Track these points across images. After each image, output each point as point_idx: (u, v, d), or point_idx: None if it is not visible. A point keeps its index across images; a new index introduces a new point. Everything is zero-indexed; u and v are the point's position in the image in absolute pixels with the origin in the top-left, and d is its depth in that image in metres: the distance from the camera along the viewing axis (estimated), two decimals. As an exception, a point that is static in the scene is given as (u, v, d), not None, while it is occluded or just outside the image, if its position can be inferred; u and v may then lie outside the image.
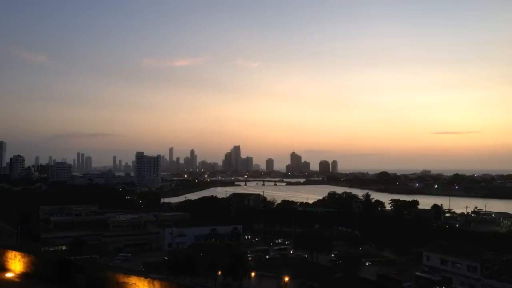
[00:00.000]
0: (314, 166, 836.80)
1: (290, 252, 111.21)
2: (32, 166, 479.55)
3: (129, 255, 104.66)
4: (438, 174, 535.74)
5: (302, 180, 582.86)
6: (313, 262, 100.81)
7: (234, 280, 76.58)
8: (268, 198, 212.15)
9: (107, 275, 13.35)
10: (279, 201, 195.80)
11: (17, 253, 16.91)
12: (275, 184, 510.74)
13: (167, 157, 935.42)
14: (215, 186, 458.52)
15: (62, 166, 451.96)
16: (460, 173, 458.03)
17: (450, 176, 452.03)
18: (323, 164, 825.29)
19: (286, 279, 74.92)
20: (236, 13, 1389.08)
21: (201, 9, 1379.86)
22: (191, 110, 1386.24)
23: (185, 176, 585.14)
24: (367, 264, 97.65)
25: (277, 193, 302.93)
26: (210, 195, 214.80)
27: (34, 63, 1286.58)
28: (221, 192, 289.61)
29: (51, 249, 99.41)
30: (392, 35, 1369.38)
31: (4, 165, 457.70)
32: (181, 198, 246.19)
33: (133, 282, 12.36)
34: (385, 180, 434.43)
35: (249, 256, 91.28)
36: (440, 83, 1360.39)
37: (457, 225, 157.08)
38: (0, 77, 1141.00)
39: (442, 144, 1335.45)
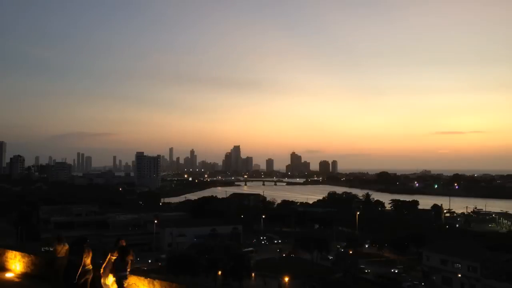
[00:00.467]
0: (314, 166, 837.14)
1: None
2: (32, 166, 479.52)
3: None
4: (438, 174, 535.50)
5: (302, 180, 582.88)
6: (313, 262, 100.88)
7: (234, 280, 76.66)
8: (268, 198, 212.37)
9: (107, 275, 13.33)
10: (279, 201, 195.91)
11: (17, 253, 16.90)
12: (275, 184, 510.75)
13: (167, 157, 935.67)
14: (215, 186, 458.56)
15: (62, 166, 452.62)
16: (460, 173, 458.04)
17: (450, 176, 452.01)
18: (323, 164, 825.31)
19: (286, 279, 74.97)
20: (233, 9, 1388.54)
21: (200, 6, 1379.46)
22: (191, 110, 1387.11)
23: (185, 176, 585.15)
24: (366, 266, 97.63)
25: (277, 193, 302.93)
26: (210, 195, 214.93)
27: (35, 60, 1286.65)
28: (221, 192, 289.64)
29: (51, 249, 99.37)
30: (395, 35, 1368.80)
31: (4, 165, 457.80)
32: (181, 198, 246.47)
33: (133, 282, 12.35)
34: (385, 180, 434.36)
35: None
36: (442, 82, 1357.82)
37: (457, 225, 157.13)
38: (0, 77, 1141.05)
39: (444, 144, 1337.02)
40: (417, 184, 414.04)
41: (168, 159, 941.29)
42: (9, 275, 16.30)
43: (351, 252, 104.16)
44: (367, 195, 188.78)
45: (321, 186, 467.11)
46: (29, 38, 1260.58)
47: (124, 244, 12.03)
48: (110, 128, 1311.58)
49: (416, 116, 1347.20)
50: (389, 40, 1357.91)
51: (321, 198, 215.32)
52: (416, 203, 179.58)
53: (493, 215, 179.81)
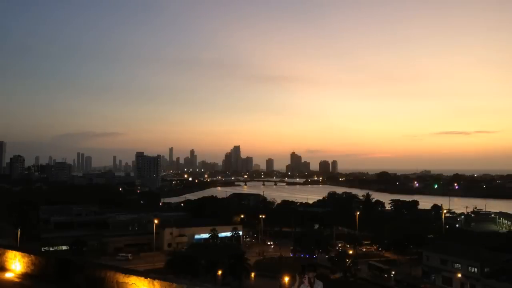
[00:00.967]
0: (314, 166, 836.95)
1: None
2: (32, 166, 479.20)
3: (129, 255, 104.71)
4: (438, 174, 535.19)
5: (302, 180, 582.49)
6: (313, 262, 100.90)
7: (234, 280, 76.68)
8: (268, 198, 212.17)
9: (107, 275, 13.36)
10: (279, 201, 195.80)
11: (17, 253, 16.91)
12: (275, 184, 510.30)
13: (167, 157, 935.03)
14: (215, 186, 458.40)
15: (62, 166, 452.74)
16: (460, 173, 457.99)
17: (450, 176, 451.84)
18: (323, 164, 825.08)
19: (286, 279, 74.90)
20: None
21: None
22: (191, 110, 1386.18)
23: (185, 176, 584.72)
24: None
25: (277, 193, 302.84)
26: (210, 195, 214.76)
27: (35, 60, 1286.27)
28: (221, 192, 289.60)
29: (51, 249, 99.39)
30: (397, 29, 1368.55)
31: (4, 165, 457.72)
32: (181, 198, 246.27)
33: (133, 282, 12.36)
34: (385, 180, 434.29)
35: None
36: (446, 81, 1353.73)
37: (457, 225, 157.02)
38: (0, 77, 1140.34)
39: (446, 144, 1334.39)
40: (417, 184, 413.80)
41: (168, 159, 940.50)
42: (9, 275, 16.31)
43: (351, 252, 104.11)
44: (367, 195, 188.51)
45: (321, 186, 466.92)
46: (29, 38, 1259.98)
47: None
48: (110, 128, 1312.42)
49: (418, 116, 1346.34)
50: (391, 39, 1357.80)
51: (321, 198, 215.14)
52: (416, 203, 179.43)
53: (493, 215, 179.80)
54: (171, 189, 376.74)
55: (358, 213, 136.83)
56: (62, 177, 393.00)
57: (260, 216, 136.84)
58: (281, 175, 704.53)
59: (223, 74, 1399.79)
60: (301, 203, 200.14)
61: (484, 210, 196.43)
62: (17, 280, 15.80)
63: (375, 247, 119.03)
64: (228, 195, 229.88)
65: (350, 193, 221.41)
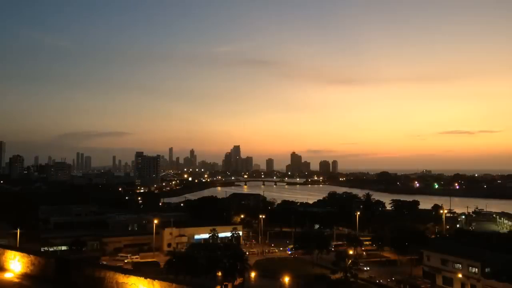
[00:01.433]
0: (314, 166, 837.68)
1: None
2: (32, 166, 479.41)
3: (129, 255, 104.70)
4: (438, 174, 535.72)
5: (302, 180, 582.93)
6: (313, 262, 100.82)
7: (234, 280, 76.54)
8: (268, 198, 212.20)
9: (107, 275, 13.26)
10: (279, 201, 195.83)
11: (16, 253, 16.82)
12: (275, 185, 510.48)
13: (167, 157, 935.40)
14: (215, 186, 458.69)
15: (61, 166, 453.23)
16: (461, 173, 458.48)
17: (450, 176, 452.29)
18: (323, 164, 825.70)
19: (286, 279, 74.85)
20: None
21: None
22: (191, 110, 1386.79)
23: (185, 176, 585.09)
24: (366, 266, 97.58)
25: (277, 193, 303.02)
26: (210, 195, 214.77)
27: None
28: (221, 192, 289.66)
29: (50, 249, 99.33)
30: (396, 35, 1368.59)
31: (3, 165, 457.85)
32: (181, 198, 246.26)
33: (133, 282, 12.27)
34: (386, 180, 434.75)
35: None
36: (448, 81, 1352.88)
37: (458, 225, 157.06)
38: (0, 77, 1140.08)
39: (449, 143, 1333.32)
40: (417, 184, 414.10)
41: (168, 159, 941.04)
42: (8, 275, 16.21)
43: (351, 252, 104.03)
44: (367, 195, 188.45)
45: (321, 186, 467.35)
46: (29, 38, 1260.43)
47: None
48: (110, 128, 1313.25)
49: (422, 115, 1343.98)
50: (392, 39, 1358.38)
51: (321, 198, 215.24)
52: (416, 203, 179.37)
53: (494, 215, 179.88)
54: (171, 189, 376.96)
55: (358, 213, 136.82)
56: (61, 177, 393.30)
57: (260, 216, 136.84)
58: (281, 175, 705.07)
59: (223, 74, 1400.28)
60: (301, 203, 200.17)
61: (485, 210, 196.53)
62: (16, 280, 15.70)
63: (375, 247, 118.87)
64: (228, 195, 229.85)
65: (351, 193, 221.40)
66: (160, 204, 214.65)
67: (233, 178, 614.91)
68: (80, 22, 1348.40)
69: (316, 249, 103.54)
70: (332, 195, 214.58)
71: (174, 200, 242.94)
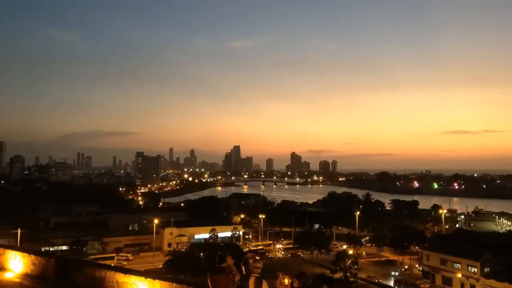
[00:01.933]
0: (314, 166, 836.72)
1: None
2: (32, 166, 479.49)
3: (129, 255, 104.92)
4: (438, 174, 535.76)
5: (302, 180, 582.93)
6: (313, 262, 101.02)
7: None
8: (268, 198, 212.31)
9: (107, 275, 13.38)
10: (279, 201, 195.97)
11: (17, 253, 16.93)
12: (275, 185, 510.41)
13: (167, 157, 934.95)
14: (215, 186, 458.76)
15: (62, 166, 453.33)
16: (460, 173, 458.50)
17: (450, 176, 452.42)
18: (323, 164, 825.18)
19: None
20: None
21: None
22: (191, 109, 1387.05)
23: (185, 176, 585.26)
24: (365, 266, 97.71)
25: (277, 193, 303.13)
26: (210, 195, 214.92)
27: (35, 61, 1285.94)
28: (221, 192, 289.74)
29: (51, 249, 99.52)
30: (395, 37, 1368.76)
31: (4, 165, 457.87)
32: (181, 198, 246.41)
33: (133, 282, 12.37)
34: (385, 180, 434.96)
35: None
36: (450, 80, 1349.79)
37: (457, 225, 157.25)
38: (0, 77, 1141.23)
39: (451, 143, 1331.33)
40: (417, 184, 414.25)
41: (168, 159, 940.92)
42: (9, 275, 16.33)
43: (351, 252, 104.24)
44: (367, 195, 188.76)
45: (321, 186, 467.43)
46: (28, 38, 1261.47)
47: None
48: (110, 128, 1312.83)
49: (424, 115, 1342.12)
50: (394, 40, 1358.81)
51: (321, 198, 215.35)
52: (416, 203, 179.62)
53: (493, 215, 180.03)
54: (171, 189, 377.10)
55: (358, 213, 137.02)
56: (62, 177, 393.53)
57: (260, 216, 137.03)
58: (281, 175, 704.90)
59: (223, 74, 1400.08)
60: (301, 203, 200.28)
61: (484, 210, 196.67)
62: (17, 280, 15.82)
63: (375, 247, 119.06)
64: (228, 195, 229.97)
65: (350, 193, 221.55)
66: (161, 204, 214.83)
67: (233, 178, 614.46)
68: (80, 22, 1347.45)
69: (316, 249, 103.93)
70: (331, 195, 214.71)
71: (174, 200, 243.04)
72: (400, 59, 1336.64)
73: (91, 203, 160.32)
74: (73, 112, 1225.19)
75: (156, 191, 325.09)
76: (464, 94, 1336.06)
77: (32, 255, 16.38)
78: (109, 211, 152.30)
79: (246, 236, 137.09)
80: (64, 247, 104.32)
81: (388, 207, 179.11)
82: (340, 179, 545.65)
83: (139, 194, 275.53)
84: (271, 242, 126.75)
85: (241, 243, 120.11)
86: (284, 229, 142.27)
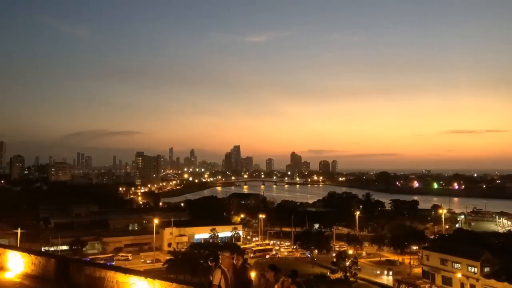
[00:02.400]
0: (314, 166, 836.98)
1: None
2: (32, 166, 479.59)
3: (129, 255, 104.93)
4: (438, 174, 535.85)
5: (302, 180, 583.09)
6: (313, 262, 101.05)
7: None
8: (268, 198, 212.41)
9: (107, 275, 13.38)
10: (279, 201, 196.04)
11: (17, 253, 16.94)
12: (275, 184, 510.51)
13: (167, 157, 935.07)
14: (215, 186, 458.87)
15: (62, 166, 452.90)
16: (460, 173, 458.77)
17: (450, 176, 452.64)
18: (323, 164, 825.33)
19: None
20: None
21: None
22: (191, 110, 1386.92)
23: (185, 176, 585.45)
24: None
25: (277, 193, 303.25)
26: (210, 195, 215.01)
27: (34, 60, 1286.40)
28: (221, 192, 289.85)
29: (51, 249, 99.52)
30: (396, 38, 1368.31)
31: (4, 165, 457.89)
32: (181, 198, 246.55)
33: (133, 282, 12.38)
34: (385, 180, 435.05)
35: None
36: (452, 81, 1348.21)
37: (457, 225, 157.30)
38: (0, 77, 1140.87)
39: (453, 143, 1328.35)
40: (417, 184, 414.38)
41: (168, 159, 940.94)
42: (9, 275, 16.34)
43: (351, 252, 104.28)
44: (367, 195, 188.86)
45: (321, 186, 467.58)
46: (28, 38, 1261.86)
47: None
48: (110, 128, 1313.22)
49: (426, 114, 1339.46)
50: (391, 38, 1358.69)
51: (321, 198, 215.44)
52: (416, 203, 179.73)
53: (493, 215, 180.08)
54: (171, 189, 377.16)
55: (358, 213, 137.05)
56: (62, 177, 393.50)
57: (260, 216, 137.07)
58: (281, 175, 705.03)
59: (223, 73, 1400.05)
60: (301, 203, 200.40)
61: (484, 210, 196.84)
62: (17, 280, 15.83)
63: (375, 247, 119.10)
64: (228, 195, 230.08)
65: (350, 193, 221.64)
66: (161, 204, 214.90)
67: (233, 178, 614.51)
68: (80, 22, 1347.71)
69: (316, 249, 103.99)
70: (331, 195, 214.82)
71: (174, 200, 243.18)
72: (402, 61, 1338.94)
73: (91, 203, 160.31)
74: (73, 112, 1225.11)
75: (156, 191, 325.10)
76: (466, 94, 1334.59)
77: (32, 255, 16.38)
78: (109, 211, 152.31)
79: (248, 237, 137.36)
80: (64, 247, 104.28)
81: (388, 207, 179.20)
82: (340, 179, 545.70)
83: (139, 194, 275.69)
84: (269, 242, 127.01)
85: (241, 243, 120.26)
86: (284, 229, 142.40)
